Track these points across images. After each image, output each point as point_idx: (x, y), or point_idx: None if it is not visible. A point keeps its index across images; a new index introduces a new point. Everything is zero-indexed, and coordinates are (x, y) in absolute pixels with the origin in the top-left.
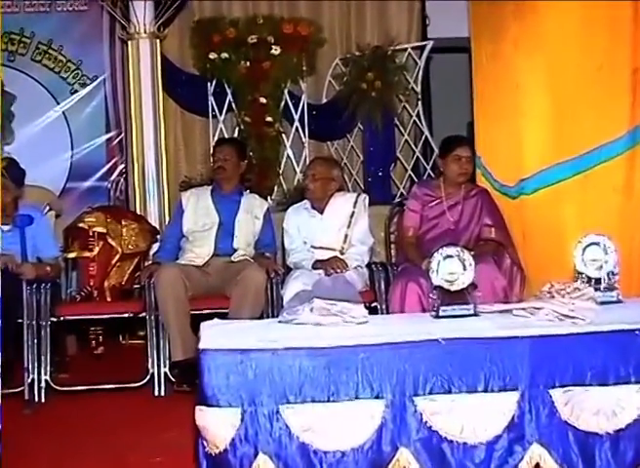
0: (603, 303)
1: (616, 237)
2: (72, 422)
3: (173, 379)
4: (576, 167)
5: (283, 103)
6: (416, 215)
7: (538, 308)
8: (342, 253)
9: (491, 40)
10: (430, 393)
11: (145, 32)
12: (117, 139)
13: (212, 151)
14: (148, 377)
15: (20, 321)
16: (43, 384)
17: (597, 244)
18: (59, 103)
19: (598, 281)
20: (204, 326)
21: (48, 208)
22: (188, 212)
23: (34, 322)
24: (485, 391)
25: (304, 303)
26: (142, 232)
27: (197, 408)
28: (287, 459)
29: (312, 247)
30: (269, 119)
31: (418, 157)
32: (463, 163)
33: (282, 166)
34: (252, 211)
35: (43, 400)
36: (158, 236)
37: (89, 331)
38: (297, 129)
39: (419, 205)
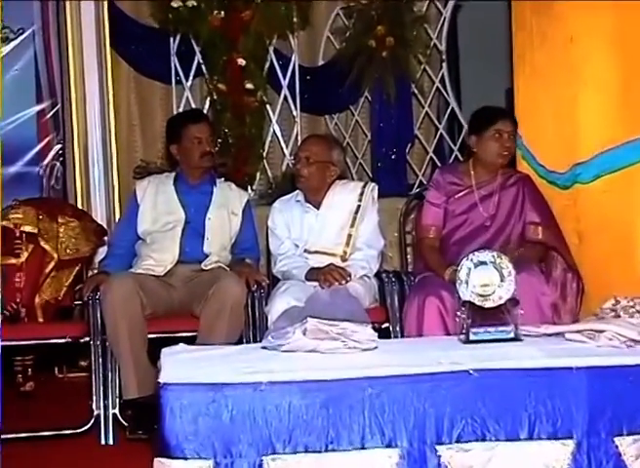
0: None
1: None
2: None
3: (125, 423)
4: None
5: (268, 66)
6: (438, 210)
7: (598, 331)
8: (345, 260)
9: None
10: (458, 441)
11: None
12: (51, 112)
13: (186, 131)
14: (93, 421)
15: None
16: None
17: None
18: None
19: None
20: (166, 353)
21: None
22: (145, 206)
23: None
24: (530, 438)
25: (295, 324)
26: (85, 232)
27: (156, 460)
28: None
29: (306, 251)
30: (250, 86)
31: (442, 135)
32: (505, 140)
33: (266, 146)
34: (227, 205)
35: None
36: (106, 238)
37: (14, 362)
38: (285, 99)
39: (442, 196)
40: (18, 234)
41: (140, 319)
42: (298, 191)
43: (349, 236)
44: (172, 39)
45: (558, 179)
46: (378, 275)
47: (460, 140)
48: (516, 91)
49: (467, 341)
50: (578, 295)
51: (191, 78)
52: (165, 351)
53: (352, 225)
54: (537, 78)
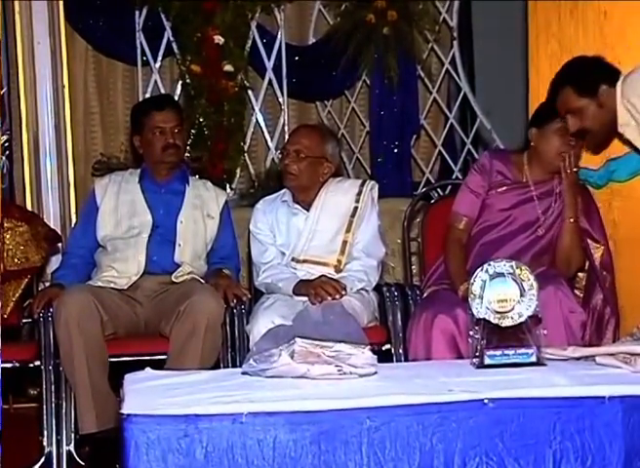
0: None
1: None
2: None
3: (81, 462)
4: None
5: (250, 44)
6: (476, 200)
7: (635, 354)
8: (339, 270)
9: None
10: None
11: None
12: None
13: (150, 121)
14: (44, 460)
15: None
16: None
17: None
18: None
19: None
20: (129, 380)
21: None
22: (106, 208)
23: None
24: None
25: (282, 345)
26: (36, 239)
27: None
28: None
29: (293, 260)
30: (229, 68)
31: (452, 125)
32: (570, 139)
33: (248, 138)
34: (202, 206)
35: None
36: (60, 245)
37: None
38: (270, 83)
39: (485, 185)
40: None
41: (100, 340)
42: (285, 190)
43: (345, 243)
44: (137, 12)
45: (591, 177)
46: (377, 288)
47: (473, 132)
48: (531, 72)
49: (482, 366)
50: (612, 314)
51: (160, 58)
52: (128, 377)
53: (348, 230)
54: (563, 56)
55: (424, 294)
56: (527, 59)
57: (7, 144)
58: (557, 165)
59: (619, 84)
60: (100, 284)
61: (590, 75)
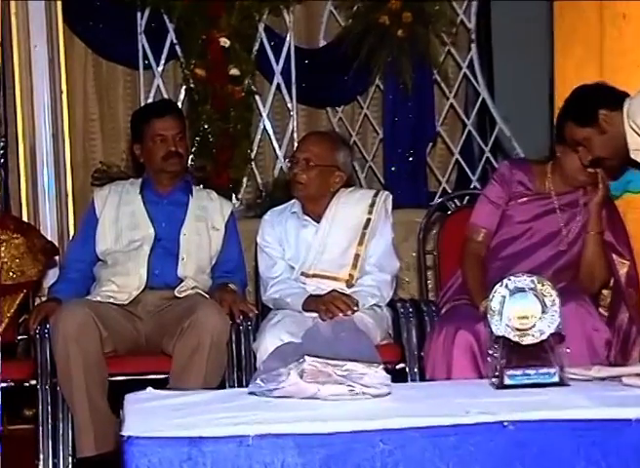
0: None
1: None
2: None
3: None
4: None
5: (257, 47)
6: (495, 211)
7: None
8: (351, 285)
9: None
10: None
11: None
12: None
13: (149, 128)
14: None
15: None
16: None
17: None
18: None
19: None
20: (130, 400)
21: None
22: (106, 220)
23: None
24: None
25: (290, 364)
26: (32, 252)
27: None
28: None
29: (303, 274)
30: (235, 72)
31: (470, 132)
32: None
33: (255, 146)
34: (207, 218)
35: None
36: (57, 258)
37: None
38: (278, 87)
39: (504, 195)
40: None
41: (99, 357)
42: (294, 201)
43: (357, 256)
44: (139, 13)
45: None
46: (391, 304)
47: (492, 139)
48: (557, 77)
49: (501, 386)
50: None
51: (163, 62)
52: (129, 397)
53: (360, 243)
54: (589, 62)
55: (442, 310)
56: (549, 63)
57: (2, 152)
58: (582, 180)
59: (625, 106)
60: (99, 299)
61: (587, 104)
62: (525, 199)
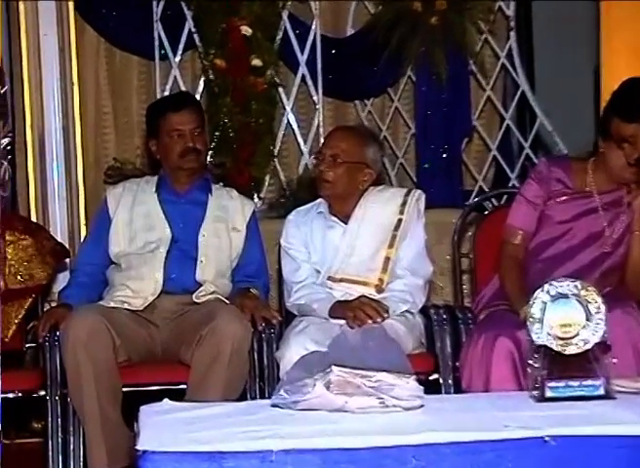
0: None
1: None
2: None
3: None
4: None
5: (280, 36)
6: (533, 212)
7: None
8: (381, 290)
9: None
10: None
11: None
12: None
13: (164, 122)
14: None
15: None
16: None
17: None
18: None
19: None
20: (145, 412)
21: None
22: (119, 221)
23: None
24: None
25: (316, 374)
26: (41, 254)
27: None
28: None
29: (329, 279)
30: (257, 62)
31: (508, 127)
32: None
33: (278, 141)
34: (227, 218)
35: None
36: (67, 260)
37: None
38: (303, 79)
39: (542, 194)
40: None
41: (112, 367)
42: (320, 200)
43: (387, 260)
44: (155, 1)
45: None
46: (424, 311)
47: (532, 134)
48: (604, 70)
49: (542, 399)
50: None
51: (180, 52)
52: (144, 409)
53: (391, 246)
54: (637, 53)
55: (479, 317)
56: (594, 53)
57: (9, 148)
58: (627, 178)
59: None
60: (112, 304)
61: (635, 99)
62: (564, 197)
